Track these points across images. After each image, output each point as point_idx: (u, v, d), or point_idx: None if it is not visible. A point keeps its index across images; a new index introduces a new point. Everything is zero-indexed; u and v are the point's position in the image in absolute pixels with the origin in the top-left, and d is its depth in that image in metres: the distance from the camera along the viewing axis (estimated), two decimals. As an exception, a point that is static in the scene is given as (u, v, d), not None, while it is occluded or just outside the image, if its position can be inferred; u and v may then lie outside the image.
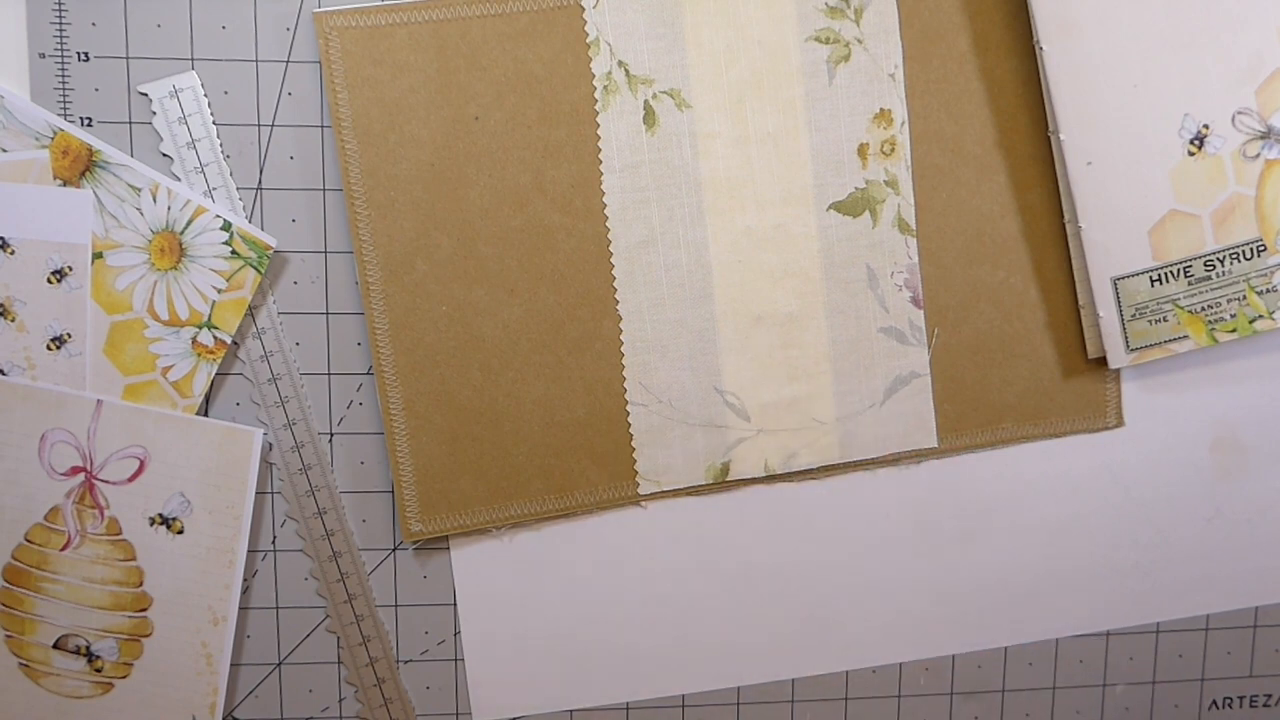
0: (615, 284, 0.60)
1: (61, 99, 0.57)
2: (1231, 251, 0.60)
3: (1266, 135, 0.59)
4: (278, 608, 0.62)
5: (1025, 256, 0.62)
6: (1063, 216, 0.62)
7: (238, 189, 0.58)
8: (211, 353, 0.58)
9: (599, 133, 0.59)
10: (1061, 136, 0.60)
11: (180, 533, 0.59)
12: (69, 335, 0.57)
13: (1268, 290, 0.60)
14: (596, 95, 0.58)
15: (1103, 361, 0.63)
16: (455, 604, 0.62)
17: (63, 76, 0.57)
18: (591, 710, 0.64)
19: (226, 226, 0.58)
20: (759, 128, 0.60)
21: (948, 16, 0.60)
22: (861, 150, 0.60)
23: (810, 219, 0.60)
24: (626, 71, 0.58)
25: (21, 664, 0.59)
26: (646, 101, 0.59)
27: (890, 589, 0.65)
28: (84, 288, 0.57)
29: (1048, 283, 0.63)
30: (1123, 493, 0.65)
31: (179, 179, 0.58)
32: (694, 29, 0.59)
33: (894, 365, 0.62)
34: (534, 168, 0.58)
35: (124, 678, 0.60)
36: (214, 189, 0.58)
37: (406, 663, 0.63)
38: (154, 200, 0.57)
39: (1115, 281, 0.61)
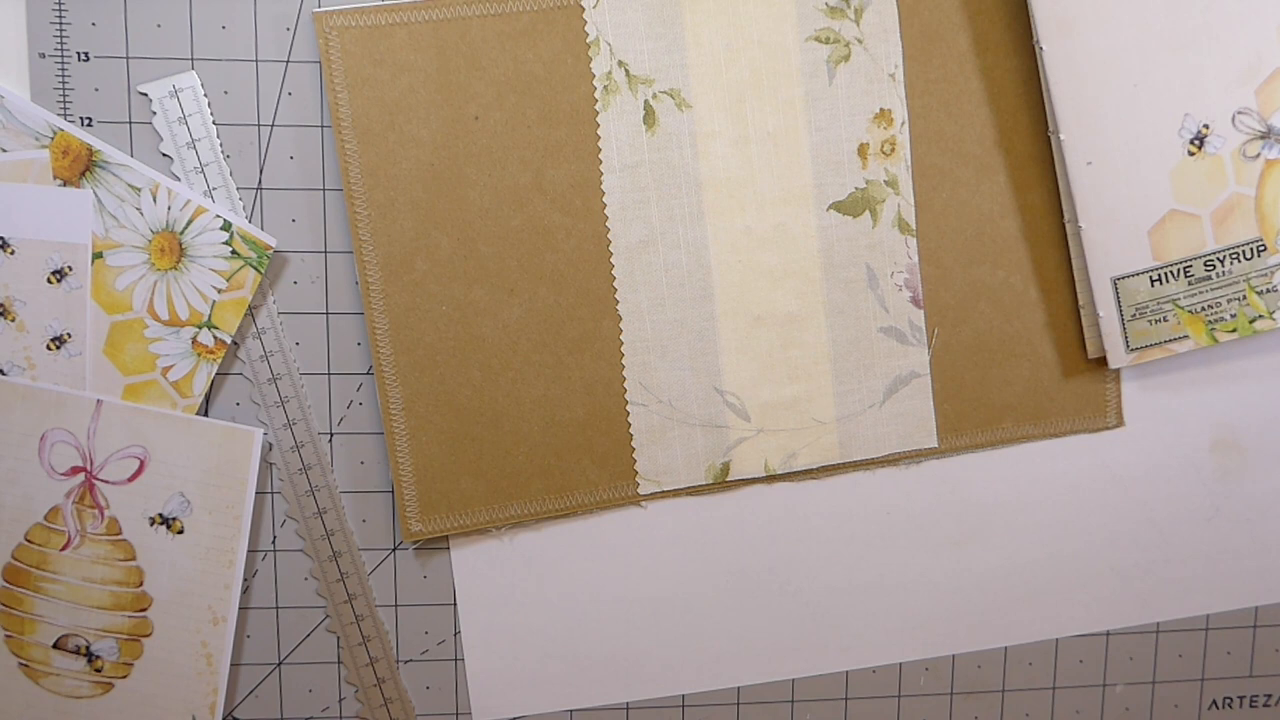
0: (615, 284, 0.60)
1: (61, 99, 0.57)
2: (1231, 251, 0.60)
3: (1266, 135, 0.59)
4: (278, 608, 0.62)
5: (1025, 256, 0.62)
6: (1063, 216, 0.62)
7: (238, 189, 0.58)
8: (211, 353, 0.58)
9: (599, 133, 0.59)
10: (1061, 136, 0.60)
11: (180, 533, 0.59)
12: (69, 335, 0.57)
13: (1268, 290, 0.60)
14: (596, 95, 0.58)
15: (1103, 361, 0.63)
16: (455, 604, 0.62)
17: (63, 76, 0.57)
18: (591, 710, 0.64)
19: (226, 226, 0.58)
20: (759, 128, 0.59)
21: (948, 16, 0.60)
22: (861, 150, 0.60)
23: (810, 219, 0.60)
24: (626, 71, 0.58)
25: (21, 664, 0.59)
26: (646, 101, 0.59)
27: (890, 589, 0.65)
28: (84, 288, 0.57)
29: (1048, 283, 0.63)
30: (1123, 493, 0.65)
31: (179, 179, 0.58)
32: (694, 29, 0.59)
33: (894, 365, 0.62)
34: (534, 168, 0.58)
35: (124, 678, 0.60)
36: (214, 189, 0.58)
37: (406, 663, 0.63)
38: (154, 200, 0.57)
39: (1115, 281, 0.61)
